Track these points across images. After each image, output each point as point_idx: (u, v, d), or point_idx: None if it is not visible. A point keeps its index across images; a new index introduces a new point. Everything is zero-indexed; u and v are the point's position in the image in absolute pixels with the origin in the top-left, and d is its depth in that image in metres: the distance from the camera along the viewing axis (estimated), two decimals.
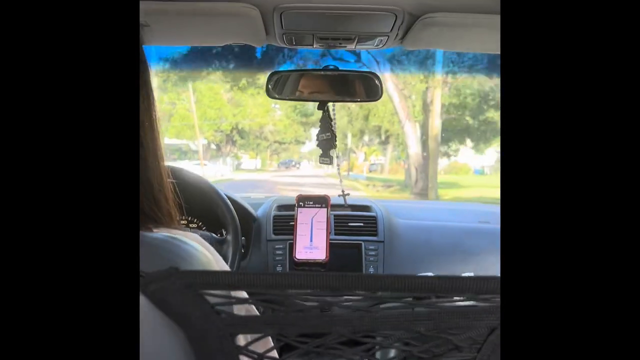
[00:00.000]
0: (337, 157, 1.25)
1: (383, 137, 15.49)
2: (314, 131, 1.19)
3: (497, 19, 0.79)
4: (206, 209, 1.16)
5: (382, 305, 0.38)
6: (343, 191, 1.33)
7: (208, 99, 14.40)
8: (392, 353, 0.39)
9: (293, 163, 22.75)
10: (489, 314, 0.36)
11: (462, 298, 0.36)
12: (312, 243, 1.22)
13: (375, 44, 0.91)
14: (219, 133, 15.99)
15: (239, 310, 0.43)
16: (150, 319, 0.38)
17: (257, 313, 0.46)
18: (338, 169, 1.31)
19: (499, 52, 0.94)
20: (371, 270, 1.26)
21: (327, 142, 1.14)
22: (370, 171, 18.38)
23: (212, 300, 0.38)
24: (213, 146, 16.97)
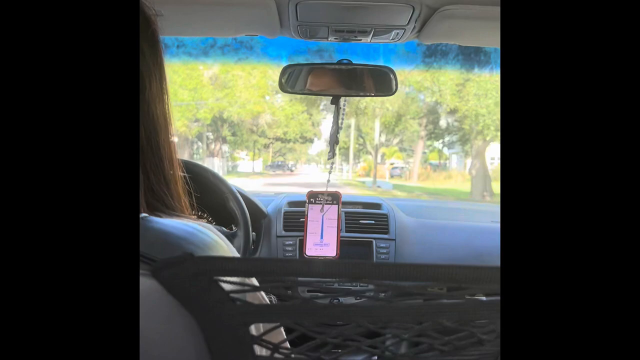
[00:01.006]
0: (335, 153, 1.18)
1: (449, 121, 10.36)
2: (326, 124, 1.15)
3: None
4: (217, 203, 1.15)
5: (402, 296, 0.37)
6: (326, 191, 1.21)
7: (182, 77, 10.70)
8: (413, 345, 0.38)
9: (290, 165, 19.56)
10: None
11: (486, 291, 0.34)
12: (322, 240, 1.21)
13: (392, 37, 0.90)
14: (194, 124, 11.87)
15: (252, 298, 0.42)
16: (162, 306, 0.37)
17: (267, 302, 0.45)
18: (331, 166, 1.20)
19: None
20: None
21: (333, 136, 1.12)
22: (392, 176, 15.10)
23: (226, 287, 0.36)
24: (200, 143, 13.25)
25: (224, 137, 13.61)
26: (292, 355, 0.37)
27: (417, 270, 0.34)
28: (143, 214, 0.44)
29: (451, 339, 0.36)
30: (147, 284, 0.36)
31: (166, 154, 0.49)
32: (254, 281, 0.44)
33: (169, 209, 0.50)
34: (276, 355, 0.37)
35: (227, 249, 0.46)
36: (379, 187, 12.23)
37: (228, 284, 0.36)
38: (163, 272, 0.35)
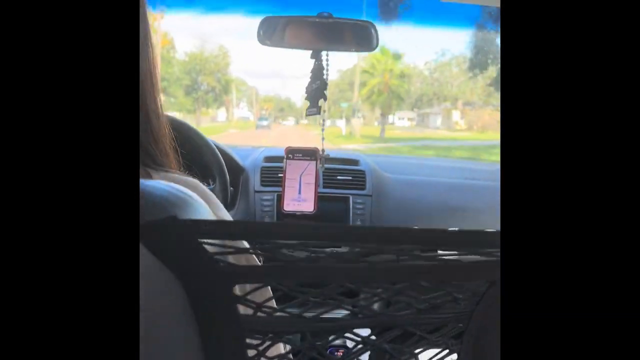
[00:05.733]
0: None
1: None
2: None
3: None
4: (194, 156, 1.14)
5: (384, 257, 0.38)
6: (323, 151, 1.22)
7: None
8: (391, 304, 0.39)
9: None
10: (489, 268, 0.36)
11: (463, 252, 0.36)
12: (300, 195, 1.21)
13: None
14: None
15: (239, 259, 0.43)
16: (148, 268, 0.37)
17: (258, 262, 0.46)
18: (323, 124, 1.19)
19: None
20: (358, 223, 1.27)
21: (317, 91, 1.10)
22: None
23: (210, 249, 0.37)
24: None
25: None
26: (275, 314, 0.38)
27: (403, 234, 0.35)
28: None
29: (427, 298, 0.38)
30: None
31: (152, 110, 0.49)
32: (244, 242, 0.45)
33: (158, 165, 0.51)
34: (259, 314, 0.38)
35: (209, 210, 0.46)
36: None
37: (213, 246, 0.37)
38: (147, 236, 0.35)
